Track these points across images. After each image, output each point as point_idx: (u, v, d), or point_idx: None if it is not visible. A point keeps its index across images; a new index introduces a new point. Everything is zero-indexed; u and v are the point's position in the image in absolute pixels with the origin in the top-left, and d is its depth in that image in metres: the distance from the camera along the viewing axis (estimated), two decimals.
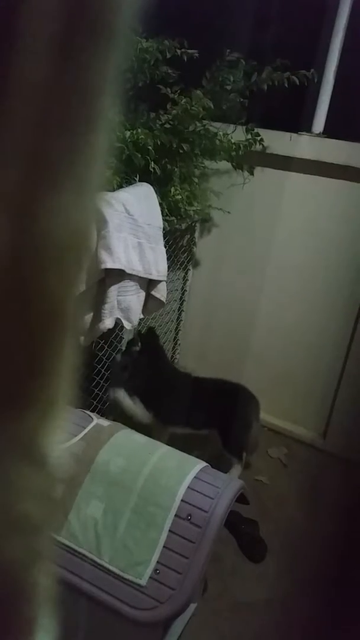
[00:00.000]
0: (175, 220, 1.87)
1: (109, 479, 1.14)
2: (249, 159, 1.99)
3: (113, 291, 1.49)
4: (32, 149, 0.18)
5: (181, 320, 2.38)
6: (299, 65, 1.80)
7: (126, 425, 1.36)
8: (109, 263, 1.41)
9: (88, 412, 1.37)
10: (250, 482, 1.83)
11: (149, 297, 1.69)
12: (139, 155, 1.69)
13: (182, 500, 1.10)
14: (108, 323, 1.50)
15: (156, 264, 1.62)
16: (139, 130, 1.68)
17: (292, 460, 2.05)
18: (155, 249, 1.63)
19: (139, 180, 1.72)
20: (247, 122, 1.96)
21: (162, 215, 1.69)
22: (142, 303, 1.67)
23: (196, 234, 2.22)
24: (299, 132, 1.96)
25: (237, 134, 1.93)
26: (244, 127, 1.92)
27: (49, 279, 0.19)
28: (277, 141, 1.97)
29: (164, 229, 1.69)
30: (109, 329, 1.53)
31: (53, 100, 0.18)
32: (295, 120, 1.98)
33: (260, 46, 1.93)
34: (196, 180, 1.98)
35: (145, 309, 1.71)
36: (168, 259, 1.72)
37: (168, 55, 1.79)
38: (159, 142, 1.71)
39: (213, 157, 1.95)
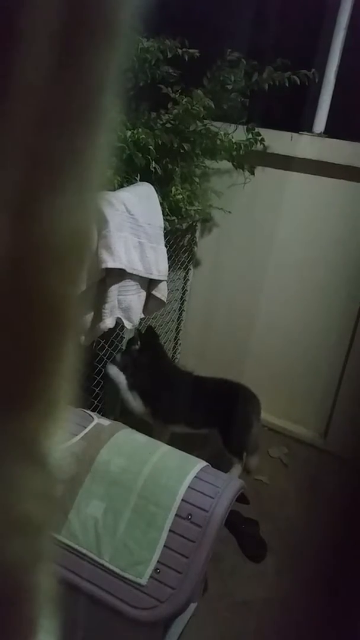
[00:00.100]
0: (176, 220, 1.87)
1: (109, 478, 1.14)
2: (250, 159, 1.99)
3: (114, 291, 1.49)
4: (33, 149, 0.18)
5: (182, 319, 2.38)
6: (300, 64, 1.80)
7: (126, 424, 1.36)
8: (110, 262, 1.41)
9: (89, 411, 1.37)
10: (250, 481, 1.83)
11: (149, 297, 1.69)
12: (140, 155, 1.69)
13: (182, 500, 1.10)
14: (109, 322, 1.50)
15: (157, 263, 1.62)
16: (140, 129, 1.68)
17: (292, 460, 2.05)
18: (156, 249, 1.63)
19: (140, 180, 1.72)
20: (248, 121, 1.95)
21: (163, 215, 1.69)
22: (142, 303, 1.67)
23: (197, 234, 2.22)
24: (300, 132, 1.96)
25: (238, 133, 1.93)
26: (245, 127, 1.92)
27: (50, 278, 0.19)
28: (278, 141, 1.97)
29: (164, 229, 1.69)
30: (110, 329, 1.53)
31: (54, 100, 0.18)
32: (296, 119, 1.98)
33: (261, 46, 1.93)
34: (197, 179, 1.98)
35: (146, 308, 1.71)
36: (169, 258, 1.72)
37: (169, 55, 1.79)
38: (159, 142, 1.71)
39: (214, 156, 1.95)
